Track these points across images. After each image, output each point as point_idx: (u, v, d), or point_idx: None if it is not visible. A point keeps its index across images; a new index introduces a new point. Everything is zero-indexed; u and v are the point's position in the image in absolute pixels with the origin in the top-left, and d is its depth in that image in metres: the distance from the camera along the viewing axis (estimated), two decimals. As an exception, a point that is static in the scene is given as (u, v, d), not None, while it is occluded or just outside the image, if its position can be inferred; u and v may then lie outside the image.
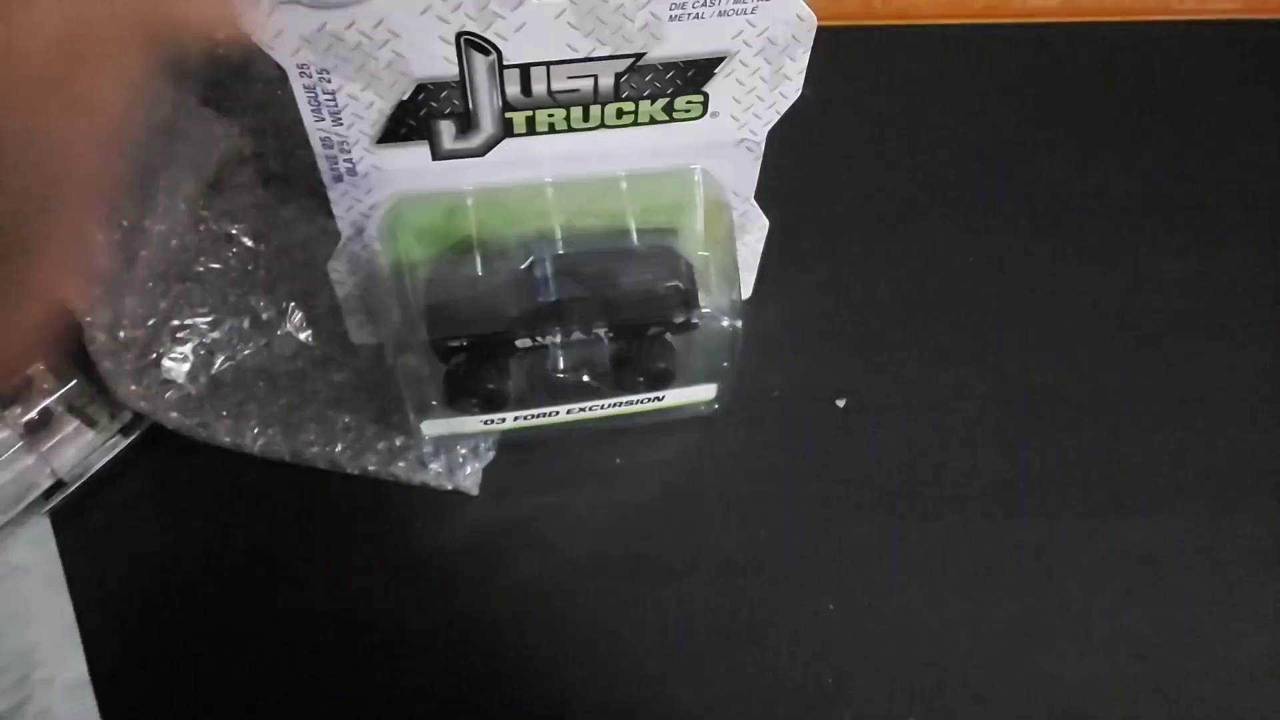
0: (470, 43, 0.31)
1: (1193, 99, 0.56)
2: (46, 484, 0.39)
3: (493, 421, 0.39)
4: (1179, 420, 0.43)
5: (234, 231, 0.43)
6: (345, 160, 0.35)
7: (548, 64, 0.32)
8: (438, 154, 0.35)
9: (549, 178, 0.37)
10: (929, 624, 0.38)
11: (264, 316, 0.42)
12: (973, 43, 0.58)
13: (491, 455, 0.41)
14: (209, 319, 0.41)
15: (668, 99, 0.34)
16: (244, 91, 0.47)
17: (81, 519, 0.39)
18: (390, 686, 0.36)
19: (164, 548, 0.39)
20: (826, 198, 0.50)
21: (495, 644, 0.37)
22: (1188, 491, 0.41)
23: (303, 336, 0.43)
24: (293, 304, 0.43)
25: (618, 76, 0.33)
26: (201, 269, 0.42)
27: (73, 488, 0.39)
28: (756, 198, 0.40)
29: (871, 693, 0.36)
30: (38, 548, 0.38)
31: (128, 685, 0.36)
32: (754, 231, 0.42)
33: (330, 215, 0.44)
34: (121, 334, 0.40)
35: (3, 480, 0.38)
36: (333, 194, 0.36)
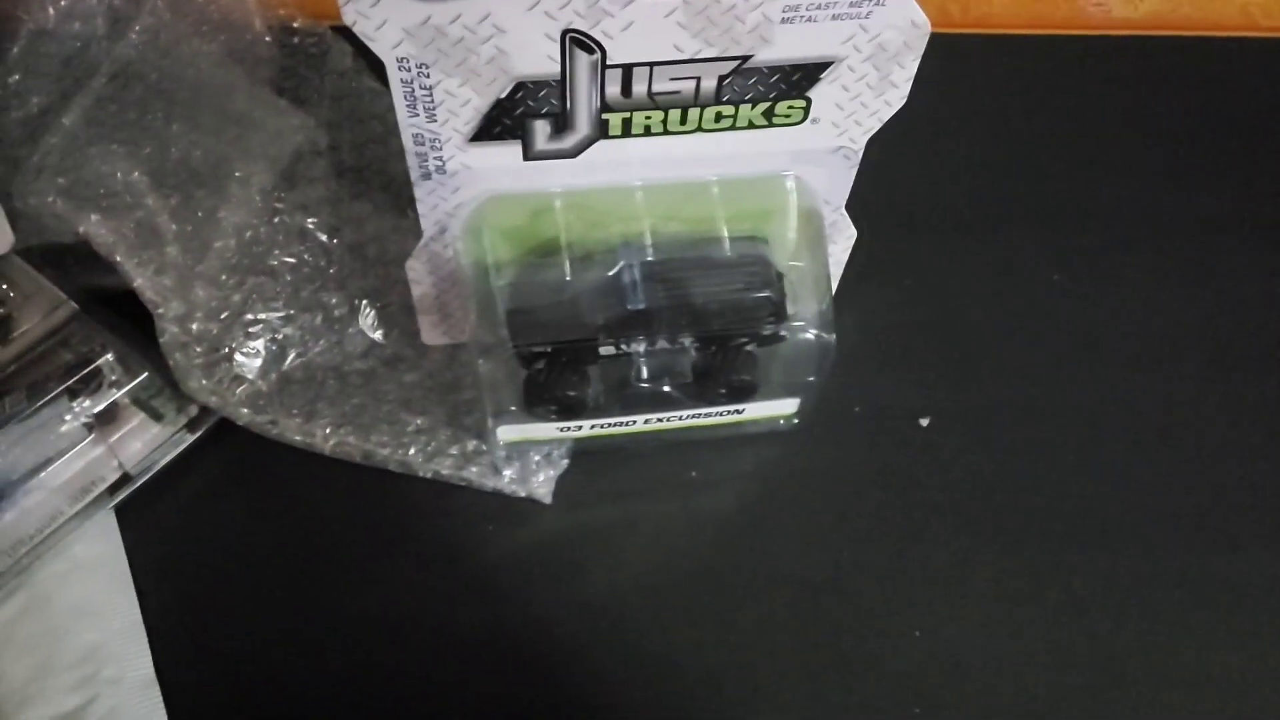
0: (575, 40, 0.30)
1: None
2: (113, 477, 0.38)
3: (569, 429, 0.38)
4: (1276, 449, 0.42)
5: (309, 225, 0.42)
6: (435, 158, 0.34)
7: (651, 64, 0.31)
8: (529, 154, 0.34)
9: (638, 181, 0.36)
10: (1016, 653, 0.36)
11: (336, 313, 0.42)
12: (1053, 53, 0.57)
13: (565, 463, 0.40)
14: (282, 314, 0.41)
15: (769, 103, 0.33)
16: (319, 83, 0.46)
17: (147, 514, 0.39)
18: (456, 692, 0.36)
19: (230, 545, 0.38)
20: (906, 209, 0.49)
21: (565, 656, 0.36)
22: (1284, 525, 0.40)
23: (374, 335, 0.42)
24: (364, 301, 0.42)
25: (721, 79, 0.32)
26: (275, 262, 0.41)
27: (139, 482, 0.39)
28: (835, 207, 0.39)
29: (958, 724, 0.35)
30: (104, 542, 0.38)
31: (194, 683, 0.35)
32: (840, 241, 0.41)
33: (403, 212, 0.44)
34: (194, 327, 0.39)
35: (72, 471, 0.38)
36: (419, 192, 0.35)
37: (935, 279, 0.46)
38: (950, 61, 0.55)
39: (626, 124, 0.33)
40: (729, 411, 0.39)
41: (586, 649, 0.36)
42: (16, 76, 0.43)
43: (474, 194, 0.35)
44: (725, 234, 0.36)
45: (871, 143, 0.36)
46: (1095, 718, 0.35)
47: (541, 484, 0.39)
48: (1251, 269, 0.48)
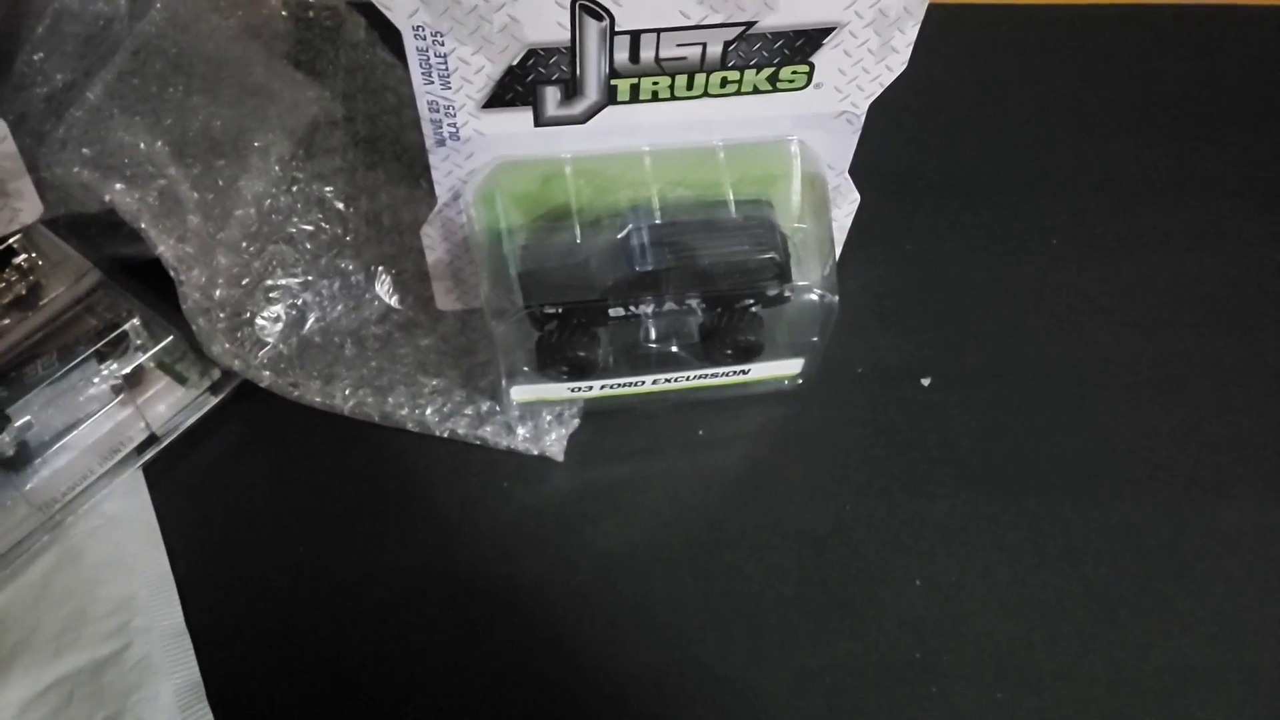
0: (585, 7, 0.31)
1: (1281, 84, 0.55)
2: (140, 437, 0.40)
3: (580, 389, 0.40)
4: (1270, 403, 0.43)
5: (326, 194, 0.43)
6: (449, 125, 0.35)
7: (659, 30, 0.32)
8: (540, 120, 0.35)
9: (647, 146, 0.37)
10: (1016, 602, 0.38)
11: (353, 280, 0.43)
12: (1060, 22, 0.57)
13: (576, 422, 0.41)
14: (301, 280, 0.42)
15: (774, 69, 0.34)
16: (334, 56, 0.47)
17: (174, 473, 0.40)
18: (473, 646, 0.37)
19: (254, 502, 0.40)
20: (909, 174, 0.50)
21: (579, 609, 0.38)
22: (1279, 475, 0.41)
23: (390, 301, 0.43)
24: (380, 268, 0.43)
25: (726, 45, 0.33)
26: (294, 230, 0.42)
27: (166, 442, 0.40)
28: (842, 171, 0.40)
29: (958, 668, 0.36)
30: (133, 499, 0.39)
31: (223, 634, 0.37)
32: (844, 206, 0.42)
33: (416, 181, 0.45)
34: (216, 293, 0.40)
35: (101, 431, 0.39)
36: (433, 158, 0.36)
37: (937, 243, 0.47)
38: (953, 29, 0.56)
39: (634, 90, 0.34)
40: (735, 372, 0.40)
41: (599, 600, 0.38)
42: (41, 54, 0.43)
43: (486, 160, 0.36)
44: (731, 198, 0.37)
45: (875, 109, 0.37)
46: (1092, 664, 0.37)
47: (554, 442, 0.41)
48: (1245, 233, 0.48)
